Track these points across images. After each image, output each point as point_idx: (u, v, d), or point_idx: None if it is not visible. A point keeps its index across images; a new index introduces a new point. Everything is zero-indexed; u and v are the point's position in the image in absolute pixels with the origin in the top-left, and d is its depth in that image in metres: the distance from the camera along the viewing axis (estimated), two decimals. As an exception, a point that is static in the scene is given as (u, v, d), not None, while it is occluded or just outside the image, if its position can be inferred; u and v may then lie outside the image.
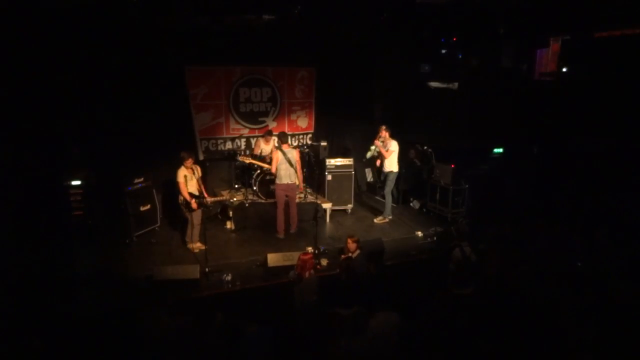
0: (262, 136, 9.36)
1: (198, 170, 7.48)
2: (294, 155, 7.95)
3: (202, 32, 8.30)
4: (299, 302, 5.45)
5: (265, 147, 9.15)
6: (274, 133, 9.49)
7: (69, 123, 7.40)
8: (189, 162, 7.29)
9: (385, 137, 8.73)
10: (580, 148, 8.60)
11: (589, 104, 8.32)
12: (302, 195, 8.88)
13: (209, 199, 7.42)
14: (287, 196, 8.08)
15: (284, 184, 7.95)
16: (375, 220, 9.01)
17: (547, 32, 8.91)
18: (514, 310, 4.71)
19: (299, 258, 5.55)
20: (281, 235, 8.10)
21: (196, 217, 7.48)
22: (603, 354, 3.71)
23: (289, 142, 8.18)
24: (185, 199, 7.25)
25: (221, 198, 8.08)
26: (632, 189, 7.74)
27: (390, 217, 9.13)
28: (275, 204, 8.29)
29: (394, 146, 8.69)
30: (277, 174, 7.98)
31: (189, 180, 7.28)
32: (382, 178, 9.13)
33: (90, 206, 7.70)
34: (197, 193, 7.37)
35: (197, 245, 7.56)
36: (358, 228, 8.62)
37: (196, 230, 7.59)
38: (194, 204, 7.28)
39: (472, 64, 9.29)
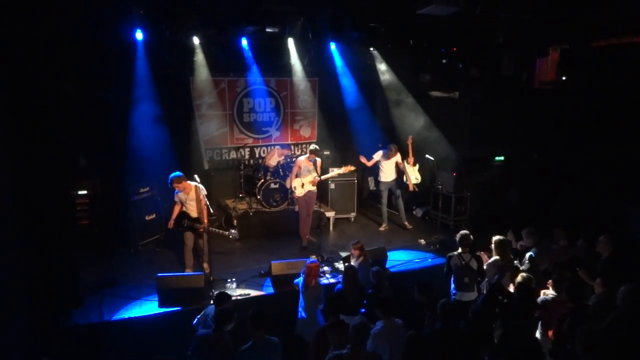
0: (278, 146, 9.47)
1: (197, 192, 6.81)
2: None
3: (208, 43, 8.43)
4: (304, 310, 5.50)
5: (277, 158, 9.22)
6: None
7: (75, 133, 7.49)
8: (179, 185, 6.74)
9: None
10: (580, 155, 8.67)
11: (588, 111, 8.40)
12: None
13: (204, 227, 6.79)
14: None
15: None
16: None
17: (546, 42, 9.01)
18: (516, 315, 4.75)
19: (304, 266, 5.60)
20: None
21: (201, 241, 7.02)
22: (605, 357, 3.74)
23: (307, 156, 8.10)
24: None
25: (219, 232, 7.05)
26: (632, 195, 7.79)
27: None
28: (279, 213, 8.39)
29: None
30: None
31: (187, 201, 6.86)
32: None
33: (96, 215, 7.79)
34: (194, 215, 6.88)
35: (204, 267, 7.15)
36: (361, 236, 8.66)
37: (204, 255, 7.11)
38: (169, 223, 6.97)
39: (472, 75, 9.37)
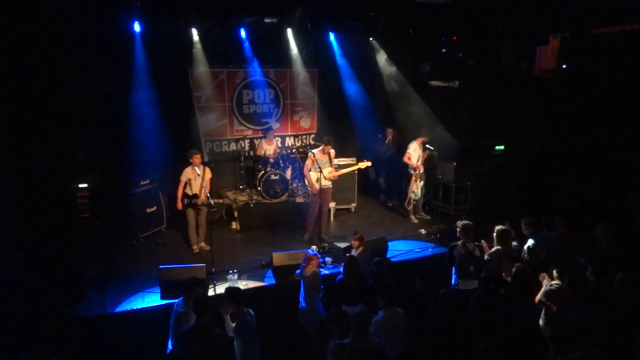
0: (264, 137, 9.45)
1: (206, 173, 7.52)
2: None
3: (206, 35, 8.38)
4: (304, 300, 5.53)
5: (268, 147, 9.21)
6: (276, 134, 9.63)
7: (76, 126, 7.49)
8: (195, 159, 7.38)
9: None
10: (581, 144, 8.65)
11: (589, 100, 8.36)
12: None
13: (200, 200, 7.40)
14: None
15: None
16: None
17: (547, 30, 8.94)
18: (518, 304, 4.77)
19: (305, 256, 5.63)
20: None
21: (199, 217, 7.64)
22: (608, 347, 3.77)
23: (322, 147, 7.86)
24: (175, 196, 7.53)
25: (218, 201, 7.49)
26: (633, 184, 7.79)
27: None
28: (280, 204, 8.42)
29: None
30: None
31: (190, 179, 7.41)
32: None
33: (97, 208, 7.78)
34: (193, 192, 7.45)
35: (202, 245, 7.72)
36: (362, 226, 8.66)
37: (201, 231, 7.74)
38: (178, 205, 7.45)
39: (469, 64, 9.33)
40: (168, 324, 4.90)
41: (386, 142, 9.59)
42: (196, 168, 7.42)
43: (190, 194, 7.47)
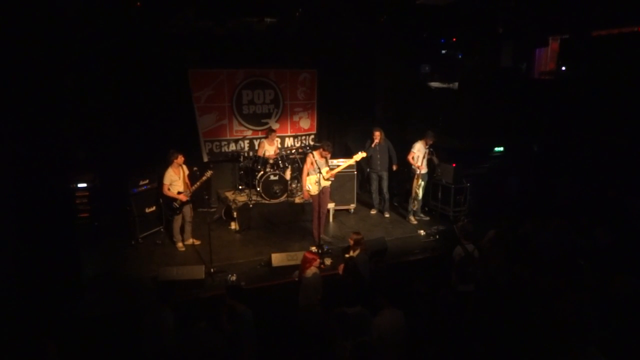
0: (265, 137, 9.45)
1: (184, 170, 7.57)
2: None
3: (205, 35, 8.38)
4: (303, 301, 5.52)
5: (269, 148, 9.21)
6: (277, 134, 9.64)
7: (75, 126, 7.48)
8: (180, 159, 7.42)
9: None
10: (580, 146, 8.67)
11: (588, 102, 8.39)
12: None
13: (189, 191, 7.52)
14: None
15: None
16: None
17: (546, 32, 8.97)
18: (516, 306, 4.77)
19: (303, 256, 5.63)
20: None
21: (185, 214, 7.72)
22: (608, 349, 3.77)
23: (320, 150, 7.78)
24: (169, 198, 7.54)
25: (204, 178, 7.62)
26: (632, 185, 7.80)
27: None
28: (279, 204, 8.42)
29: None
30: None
31: (174, 182, 7.44)
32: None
33: (96, 208, 7.78)
34: (177, 192, 7.51)
35: (191, 241, 7.86)
36: (361, 227, 8.68)
37: (188, 227, 7.84)
38: (182, 197, 7.47)
39: (467, 66, 9.35)
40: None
41: (372, 145, 9.19)
42: (171, 170, 7.43)
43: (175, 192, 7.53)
